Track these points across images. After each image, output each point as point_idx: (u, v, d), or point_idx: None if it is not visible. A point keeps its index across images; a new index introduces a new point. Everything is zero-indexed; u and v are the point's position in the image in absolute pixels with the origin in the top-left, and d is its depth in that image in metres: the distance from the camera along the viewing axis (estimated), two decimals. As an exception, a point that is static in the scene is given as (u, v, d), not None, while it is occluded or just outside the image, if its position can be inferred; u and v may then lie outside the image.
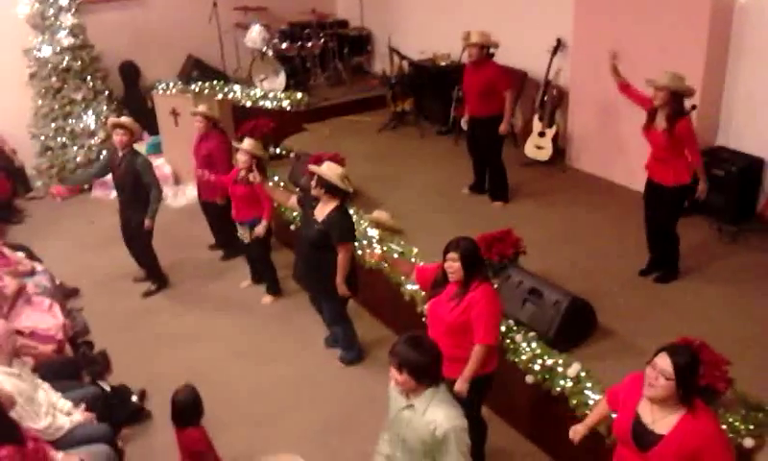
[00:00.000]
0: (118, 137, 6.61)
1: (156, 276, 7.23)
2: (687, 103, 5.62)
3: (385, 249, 6.40)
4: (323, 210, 5.49)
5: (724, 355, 4.31)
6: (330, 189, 5.42)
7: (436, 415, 3.29)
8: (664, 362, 3.15)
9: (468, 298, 4.22)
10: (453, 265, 4.22)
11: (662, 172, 5.69)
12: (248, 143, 6.46)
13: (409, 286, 5.90)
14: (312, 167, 5.63)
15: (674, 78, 5.44)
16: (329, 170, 5.44)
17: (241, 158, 6.42)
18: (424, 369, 3.31)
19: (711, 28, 6.64)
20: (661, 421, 3.22)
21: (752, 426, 4.19)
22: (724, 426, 4.15)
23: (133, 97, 10.53)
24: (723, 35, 6.77)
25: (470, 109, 7.50)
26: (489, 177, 7.68)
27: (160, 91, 10.09)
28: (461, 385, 4.22)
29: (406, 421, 3.40)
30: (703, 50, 6.68)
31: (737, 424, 4.19)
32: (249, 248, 6.91)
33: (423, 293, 5.00)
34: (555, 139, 8.31)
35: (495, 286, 5.57)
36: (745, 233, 6.55)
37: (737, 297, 5.69)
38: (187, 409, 4.43)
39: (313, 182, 5.50)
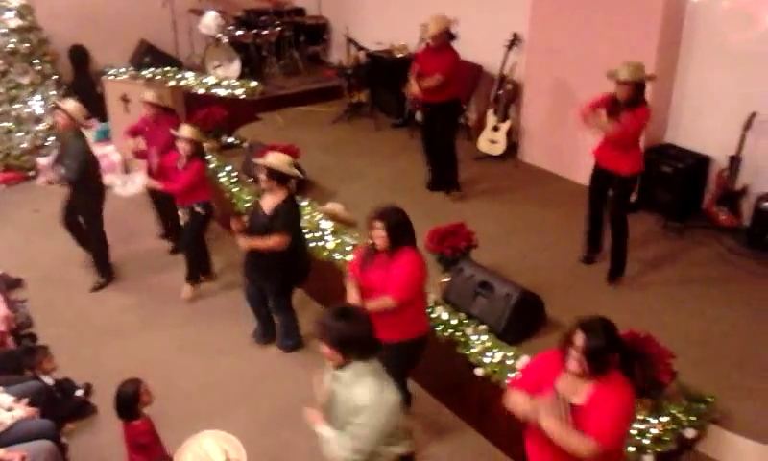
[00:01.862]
0: (57, 119, 6.62)
1: (103, 267, 7.04)
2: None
3: (338, 241, 6.38)
4: (271, 201, 5.49)
5: (668, 348, 4.40)
6: (280, 178, 5.42)
7: (360, 387, 3.29)
8: (579, 340, 3.21)
9: (393, 262, 4.40)
10: (379, 233, 4.39)
11: (617, 160, 5.73)
12: (187, 130, 6.41)
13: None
14: (258, 160, 5.60)
15: (637, 68, 5.48)
16: (276, 159, 5.44)
17: (181, 146, 6.37)
18: (349, 341, 3.30)
19: (663, 26, 6.77)
20: (578, 392, 3.29)
21: (693, 417, 4.31)
22: (666, 418, 4.26)
23: (83, 82, 10.29)
24: (674, 33, 6.90)
25: (426, 97, 7.41)
26: (443, 168, 7.65)
27: (111, 77, 9.85)
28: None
29: (334, 393, 3.42)
30: (654, 47, 6.80)
31: (680, 414, 4.30)
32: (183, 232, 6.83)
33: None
34: (509, 134, 8.37)
35: (447, 280, 5.65)
36: (691, 229, 6.70)
37: (682, 291, 5.83)
38: (128, 401, 4.37)
39: (262, 176, 5.47)
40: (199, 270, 6.91)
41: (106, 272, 7.04)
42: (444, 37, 7.09)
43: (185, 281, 6.81)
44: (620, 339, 3.34)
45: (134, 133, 7.20)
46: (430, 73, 7.13)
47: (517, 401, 3.44)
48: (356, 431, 3.29)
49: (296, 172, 5.61)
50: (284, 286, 5.81)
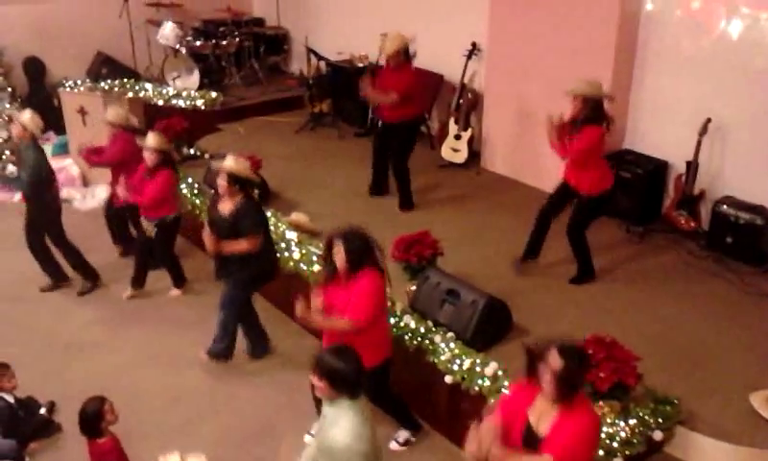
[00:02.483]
0: (13, 130, 6.59)
1: (86, 271, 7.02)
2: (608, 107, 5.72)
3: (303, 252, 6.36)
4: (228, 205, 5.47)
5: (633, 352, 4.47)
6: (239, 183, 5.42)
7: (337, 428, 3.35)
8: (555, 361, 3.22)
9: (354, 284, 4.38)
10: (340, 254, 4.36)
11: (578, 180, 5.82)
12: (152, 139, 6.34)
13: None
14: (215, 164, 5.57)
15: (592, 85, 5.56)
16: (237, 164, 5.43)
17: (147, 156, 6.31)
18: (342, 378, 3.37)
19: (619, 35, 6.91)
20: (544, 422, 3.32)
21: (660, 420, 4.38)
22: (634, 421, 4.33)
23: (39, 94, 10.10)
24: (630, 41, 7.05)
25: (384, 115, 7.41)
26: (396, 186, 7.58)
27: (67, 89, 9.69)
28: (299, 308, 4.46)
29: (321, 427, 3.46)
30: (611, 55, 6.94)
31: (647, 417, 4.37)
32: (151, 243, 6.74)
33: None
34: (470, 142, 8.45)
35: (414, 288, 5.67)
36: (651, 234, 6.84)
37: (644, 295, 5.94)
38: (94, 420, 4.28)
39: (221, 181, 5.42)
40: (180, 272, 6.97)
41: (90, 274, 7.03)
42: (401, 56, 7.04)
43: (173, 287, 6.96)
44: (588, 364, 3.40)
45: (98, 152, 7.09)
46: (388, 90, 7.11)
47: (469, 445, 3.40)
48: None
49: (255, 177, 5.68)
50: (245, 284, 5.71)
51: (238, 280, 5.64)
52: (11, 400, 5.04)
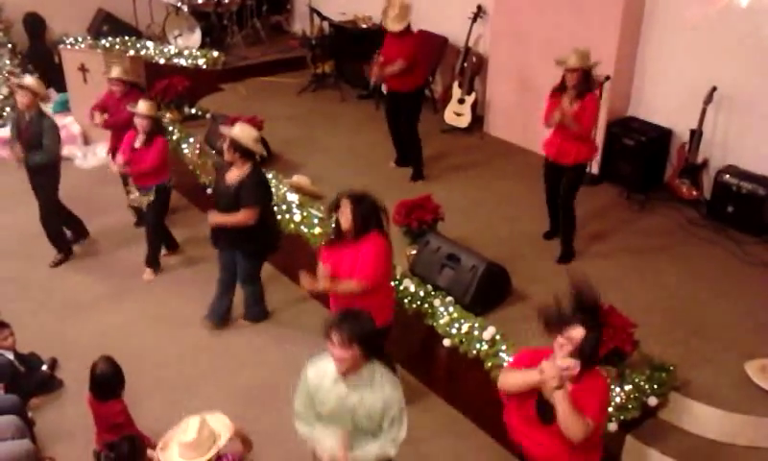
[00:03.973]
0: (20, 99, 6.28)
1: (57, 242, 6.87)
2: (600, 73, 5.73)
3: (305, 214, 6.37)
4: (235, 174, 5.44)
5: (630, 318, 4.50)
6: (243, 153, 5.37)
7: (380, 384, 3.38)
8: (578, 334, 3.22)
9: (360, 246, 4.36)
10: (346, 215, 4.34)
11: (565, 151, 5.76)
12: (143, 106, 6.17)
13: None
14: (224, 130, 5.54)
15: (583, 56, 5.52)
16: (242, 133, 5.38)
17: (139, 122, 6.16)
18: (373, 340, 3.38)
19: (626, 0, 6.82)
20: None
21: (656, 386, 4.43)
22: (629, 387, 4.38)
23: (39, 51, 9.99)
24: (636, 7, 6.96)
25: (390, 84, 7.39)
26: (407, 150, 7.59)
27: (68, 46, 9.60)
28: (305, 281, 4.55)
29: (352, 404, 3.42)
30: (618, 20, 6.85)
31: (642, 383, 4.41)
32: (145, 215, 6.66)
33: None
34: (474, 106, 8.40)
35: (414, 252, 5.69)
36: (653, 202, 6.83)
37: (643, 262, 5.96)
38: (109, 382, 4.33)
39: (225, 146, 5.42)
40: (158, 253, 6.80)
41: (61, 246, 6.89)
42: (406, 23, 6.98)
43: (146, 265, 6.71)
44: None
45: (101, 108, 7.00)
46: (392, 59, 7.07)
47: (517, 375, 3.44)
48: (394, 423, 3.40)
49: (261, 149, 5.54)
50: (255, 257, 5.78)
51: (249, 254, 5.69)
52: (10, 356, 5.09)
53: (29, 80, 6.42)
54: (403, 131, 7.49)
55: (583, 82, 5.55)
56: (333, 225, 4.52)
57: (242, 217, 5.39)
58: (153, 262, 6.73)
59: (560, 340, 3.27)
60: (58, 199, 6.71)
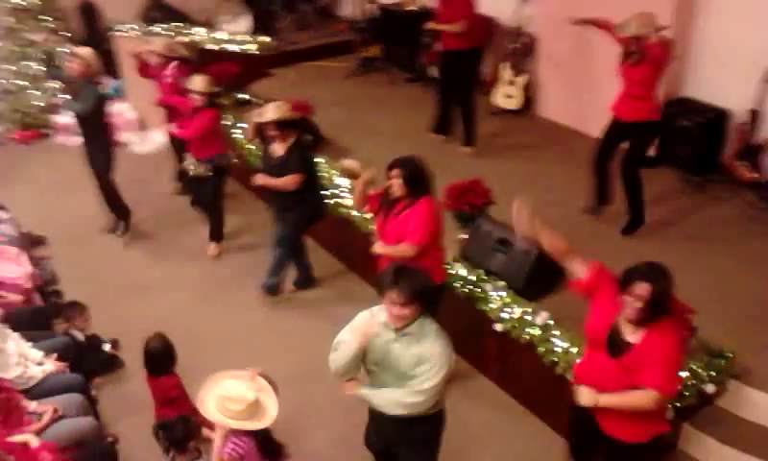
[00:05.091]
0: (71, 66, 6.49)
1: (120, 213, 7.12)
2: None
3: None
4: (280, 147, 5.67)
5: (688, 304, 4.42)
6: (288, 125, 5.58)
7: (428, 339, 3.41)
8: (642, 289, 3.25)
9: (411, 211, 4.46)
10: (396, 181, 4.43)
11: (633, 109, 5.73)
12: (198, 81, 6.30)
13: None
14: (261, 119, 5.64)
15: (645, 23, 5.45)
16: (277, 110, 5.56)
17: (194, 97, 6.31)
18: (429, 293, 3.45)
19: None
20: (634, 332, 3.37)
21: (713, 373, 4.37)
22: (686, 373, 4.31)
23: (94, 39, 10.16)
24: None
25: (445, 43, 7.38)
26: (461, 120, 7.63)
27: (121, 33, 9.77)
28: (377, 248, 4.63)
29: (398, 350, 3.45)
30: (673, -1, 6.70)
31: (700, 370, 4.35)
32: (199, 188, 6.77)
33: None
34: (525, 88, 8.31)
35: (465, 236, 5.67)
36: (709, 184, 6.68)
37: (700, 247, 5.85)
38: (160, 357, 4.46)
39: (271, 131, 5.60)
40: (221, 227, 6.93)
41: (123, 216, 7.13)
42: None
43: (210, 239, 6.89)
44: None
45: (145, 72, 7.19)
46: (450, 20, 7.10)
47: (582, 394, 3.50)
48: (422, 380, 3.40)
49: (298, 115, 5.85)
50: (298, 224, 5.95)
51: (291, 220, 5.85)
52: (81, 337, 5.27)
53: (83, 49, 6.63)
54: (457, 97, 7.47)
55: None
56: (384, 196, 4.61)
57: (287, 181, 5.60)
58: (216, 236, 6.91)
59: (624, 299, 3.30)
60: (112, 176, 6.89)
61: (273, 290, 6.20)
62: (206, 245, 6.92)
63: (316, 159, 6.31)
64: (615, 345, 3.41)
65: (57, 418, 4.32)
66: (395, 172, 4.45)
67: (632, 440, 3.51)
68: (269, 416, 3.65)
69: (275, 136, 5.63)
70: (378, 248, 4.66)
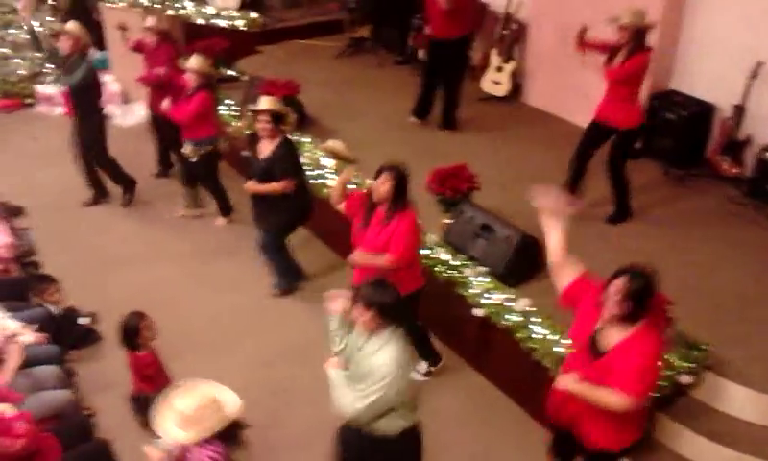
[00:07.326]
0: (63, 44, 6.52)
1: (124, 183, 7.18)
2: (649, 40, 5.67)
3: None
4: (267, 147, 5.57)
5: (666, 295, 4.45)
6: (280, 120, 5.52)
7: (384, 353, 3.40)
8: (621, 281, 3.29)
9: (394, 224, 4.43)
10: (386, 185, 4.39)
11: (615, 114, 5.77)
12: (195, 61, 6.30)
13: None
14: (257, 107, 5.58)
15: (637, 14, 5.50)
16: (273, 102, 5.54)
17: (189, 77, 6.29)
18: (390, 308, 3.43)
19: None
20: (612, 334, 3.38)
21: (689, 364, 4.41)
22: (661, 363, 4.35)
23: (80, 8, 10.04)
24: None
25: (435, 30, 7.35)
26: (443, 103, 7.63)
27: (108, 4, 9.64)
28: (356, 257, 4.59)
29: (361, 356, 3.49)
30: (663, -11, 6.70)
31: (676, 361, 4.39)
32: (194, 169, 6.75)
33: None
34: (513, 75, 8.30)
35: (448, 221, 5.68)
36: (693, 178, 6.72)
37: (681, 239, 5.88)
38: (132, 334, 4.44)
39: (263, 123, 5.51)
40: (227, 201, 6.97)
41: (127, 185, 7.18)
42: None
43: (220, 214, 6.97)
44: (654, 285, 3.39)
45: (136, 48, 7.16)
46: (435, 8, 7.07)
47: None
48: (368, 392, 3.39)
49: (288, 109, 5.74)
50: (284, 226, 5.85)
51: (272, 226, 5.77)
52: (54, 311, 5.23)
53: (71, 25, 6.58)
54: (447, 80, 7.47)
55: (635, 40, 5.52)
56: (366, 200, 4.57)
57: (280, 187, 5.51)
58: (224, 210, 6.97)
59: (608, 293, 3.32)
60: (106, 150, 6.91)
61: (288, 287, 6.09)
62: (212, 221, 7.03)
63: (302, 140, 6.26)
64: (597, 348, 3.43)
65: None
66: (384, 175, 4.42)
67: (606, 446, 3.54)
68: (233, 403, 3.59)
69: (265, 129, 5.53)
70: (357, 256, 4.59)
